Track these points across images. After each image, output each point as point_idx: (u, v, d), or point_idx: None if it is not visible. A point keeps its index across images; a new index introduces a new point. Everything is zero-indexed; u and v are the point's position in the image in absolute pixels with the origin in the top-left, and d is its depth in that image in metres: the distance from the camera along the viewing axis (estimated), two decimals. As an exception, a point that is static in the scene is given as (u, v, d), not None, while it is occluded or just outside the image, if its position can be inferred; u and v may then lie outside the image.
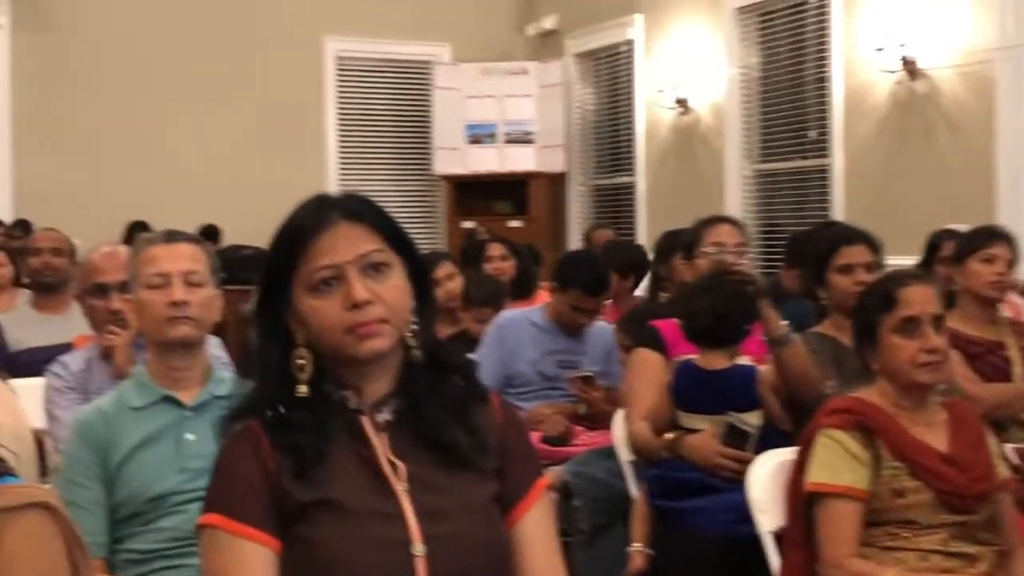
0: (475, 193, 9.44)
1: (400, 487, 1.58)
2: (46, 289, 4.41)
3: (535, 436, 3.62)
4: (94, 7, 8.90)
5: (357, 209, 1.65)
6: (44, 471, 2.98)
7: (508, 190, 9.39)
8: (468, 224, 8.91)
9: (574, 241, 9.06)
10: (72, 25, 8.86)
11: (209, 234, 8.48)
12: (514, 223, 8.99)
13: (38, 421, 3.04)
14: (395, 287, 1.61)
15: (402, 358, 1.65)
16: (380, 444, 1.61)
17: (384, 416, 1.63)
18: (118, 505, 2.32)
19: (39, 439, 2.99)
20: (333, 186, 9.70)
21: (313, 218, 1.63)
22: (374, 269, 1.60)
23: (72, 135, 8.77)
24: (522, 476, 1.69)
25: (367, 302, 1.56)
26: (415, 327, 1.65)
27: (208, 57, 9.13)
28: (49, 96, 8.77)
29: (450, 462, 1.62)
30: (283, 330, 1.63)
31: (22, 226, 7.91)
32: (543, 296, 4.80)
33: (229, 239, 8.54)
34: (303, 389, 1.60)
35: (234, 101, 9.18)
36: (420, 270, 1.68)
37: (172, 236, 2.55)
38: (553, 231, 9.32)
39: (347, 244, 1.60)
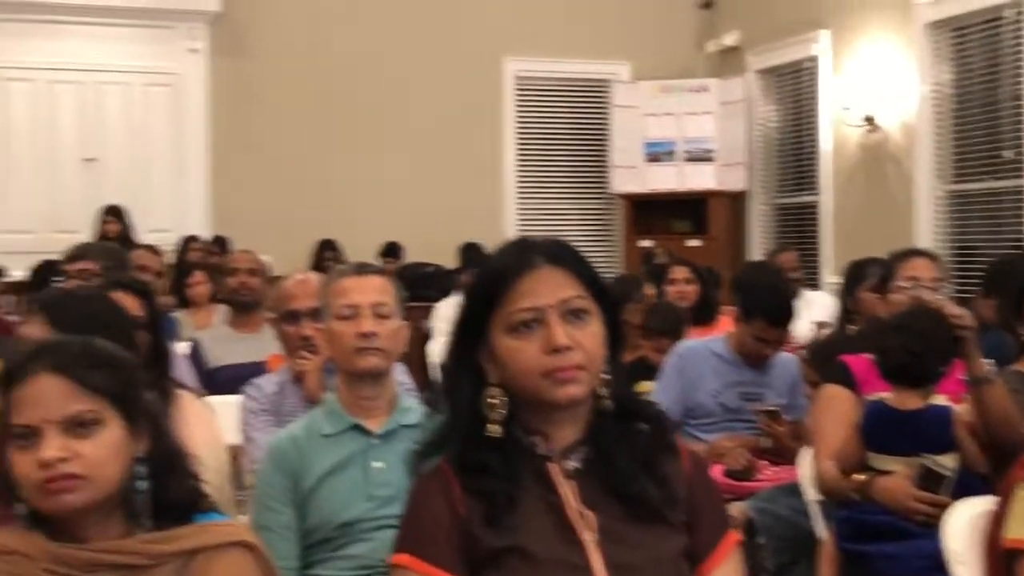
0: (653, 212, 9.38)
1: (589, 538, 1.57)
2: (242, 308, 4.59)
3: (717, 470, 3.55)
4: (286, 33, 9.26)
5: (559, 254, 1.64)
6: (240, 485, 3.11)
7: (687, 209, 9.29)
8: (645, 243, 8.86)
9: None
10: (265, 51, 9.24)
11: (392, 251, 8.71)
12: (693, 242, 8.89)
13: (234, 437, 3.16)
14: (593, 334, 1.60)
15: (591, 406, 1.64)
16: (568, 492, 1.60)
17: (572, 464, 1.62)
18: (309, 531, 2.39)
19: (235, 456, 3.12)
20: (511, 205, 9.82)
21: (516, 260, 1.63)
22: (574, 315, 1.59)
23: (264, 156, 9.14)
24: (712, 530, 1.66)
25: (567, 347, 1.56)
26: (606, 376, 1.64)
27: (391, 79, 9.37)
28: (244, 118, 9.17)
29: (639, 514, 1.60)
30: (476, 368, 1.64)
31: (219, 243, 8.29)
32: (725, 322, 4.72)
33: (411, 256, 8.74)
34: (495, 429, 1.60)
35: (415, 121, 9.39)
36: (615, 319, 1.67)
37: (362, 269, 2.62)
38: (733, 251, 9.16)
39: (549, 288, 1.59)
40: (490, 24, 9.59)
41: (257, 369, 4.08)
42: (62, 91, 8.97)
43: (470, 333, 1.64)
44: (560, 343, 1.56)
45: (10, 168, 8.82)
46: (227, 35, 9.25)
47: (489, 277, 1.65)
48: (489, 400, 1.61)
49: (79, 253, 4.67)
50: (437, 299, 7.18)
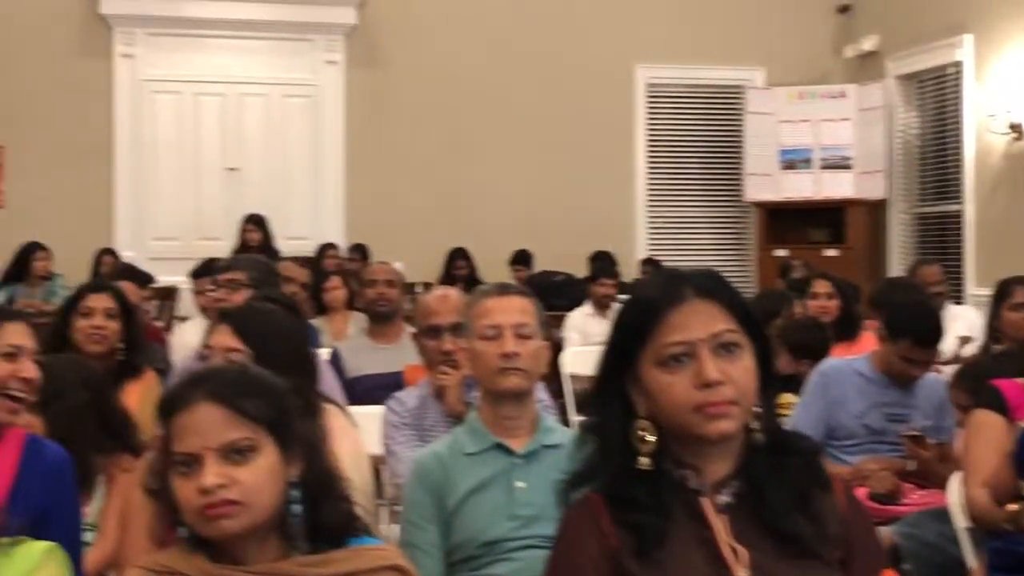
0: (788, 220, 9.22)
1: (742, 573, 1.55)
2: (379, 319, 4.65)
3: (861, 493, 3.47)
4: (419, 45, 9.40)
5: (710, 286, 1.62)
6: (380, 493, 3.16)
7: (823, 218, 9.11)
8: (780, 253, 8.71)
9: (894, 273, 8.64)
10: (399, 62, 9.41)
11: (522, 259, 8.75)
12: (830, 252, 8.70)
13: (374, 447, 3.22)
14: (745, 369, 1.58)
15: (743, 440, 1.62)
16: (721, 527, 1.58)
17: (724, 498, 1.60)
18: (453, 549, 2.41)
19: (376, 467, 3.17)
20: (641, 213, 9.77)
21: (665, 292, 1.61)
22: (725, 349, 1.57)
23: (398, 165, 9.30)
24: (866, 569, 1.62)
25: (719, 382, 1.54)
26: (758, 409, 1.62)
27: (522, 87, 9.43)
28: (378, 128, 9.34)
29: (792, 550, 1.57)
30: (624, 399, 1.62)
31: (360, 251, 8.45)
32: (867, 338, 4.60)
33: (541, 265, 8.76)
34: (645, 462, 1.59)
35: (546, 129, 9.43)
36: (766, 352, 1.64)
37: (505, 289, 2.64)
38: (872, 262, 8.95)
39: (700, 321, 1.58)
40: (621, 31, 9.57)
41: (394, 379, 4.15)
42: (206, 103, 9.29)
43: (618, 365, 1.63)
44: (711, 378, 1.54)
45: (158, 177, 9.16)
46: (362, 47, 9.44)
47: (638, 309, 1.63)
48: (639, 433, 1.59)
49: (230, 264, 4.84)
50: (567, 308, 7.18)
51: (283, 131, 9.40)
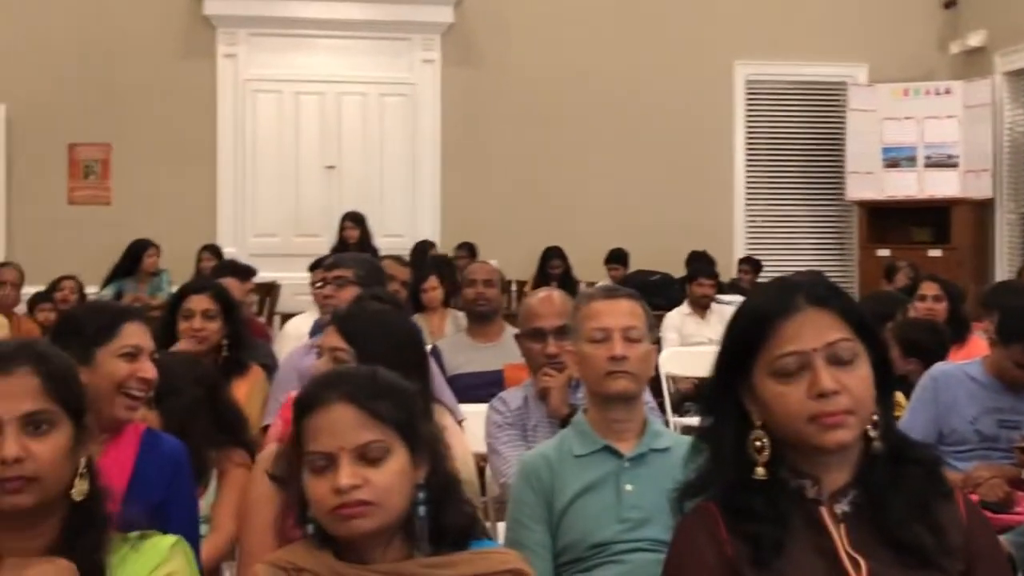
0: (891, 219, 9.05)
1: None
2: (480, 318, 4.67)
3: (972, 500, 3.38)
4: (515, 43, 9.42)
5: (824, 295, 1.60)
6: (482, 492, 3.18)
7: (927, 217, 8.92)
8: (882, 252, 8.54)
9: (1000, 275, 8.42)
10: (495, 61, 9.44)
11: (618, 258, 8.71)
12: (933, 252, 8.51)
13: (477, 445, 3.24)
14: (861, 378, 1.55)
15: (862, 448, 1.59)
16: (840, 537, 1.56)
17: (842, 508, 1.58)
18: (561, 551, 2.41)
19: (478, 465, 3.19)
20: (740, 212, 9.66)
21: (778, 302, 1.59)
22: (840, 358, 1.55)
23: (493, 163, 9.33)
24: None
25: (834, 392, 1.52)
26: (876, 417, 1.59)
27: (619, 85, 9.39)
28: (473, 127, 9.39)
29: (913, 562, 1.54)
30: (739, 409, 1.61)
31: (467, 248, 8.48)
32: (976, 341, 4.49)
33: (637, 264, 8.72)
34: (761, 471, 1.57)
35: (643, 127, 9.38)
36: (883, 359, 1.61)
37: (612, 292, 2.63)
38: (977, 262, 8.73)
39: (814, 331, 1.56)
40: (720, 28, 9.47)
41: (494, 378, 4.17)
42: (306, 102, 9.42)
43: (732, 374, 1.62)
44: (827, 388, 1.52)
45: (258, 175, 9.33)
46: (458, 46, 9.49)
47: (750, 319, 1.62)
48: (755, 443, 1.58)
49: (337, 261, 4.92)
50: (665, 308, 7.13)
51: (380, 129, 9.50)
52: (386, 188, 9.43)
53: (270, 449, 2.63)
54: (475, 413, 3.40)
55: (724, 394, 1.63)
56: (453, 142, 9.42)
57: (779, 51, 9.54)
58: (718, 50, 9.48)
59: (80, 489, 1.63)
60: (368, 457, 1.63)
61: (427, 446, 1.71)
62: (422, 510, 1.67)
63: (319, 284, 5.20)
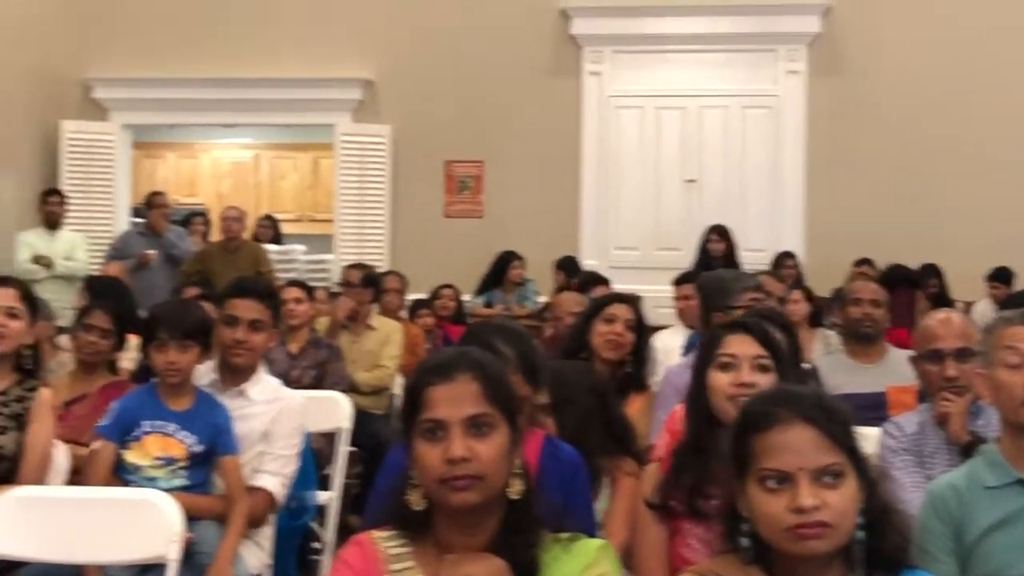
0: None
1: None
2: (863, 338, 4.49)
3: None
4: (887, 51, 9.07)
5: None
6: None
7: None
8: None
9: None
10: (864, 70, 9.11)
11: (1000, 276, 8.17)
12: None
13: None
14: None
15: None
16: None
17: None
18: (970, 584, 2.29)
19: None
20: None
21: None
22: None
23: (861, 175, 9.01)
24: None
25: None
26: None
27: (997, 94, 8.82)
28: (841, 138, 9.11)
29: None
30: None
31: (868, 263, 8.14)
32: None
33: (1021, 282, 8.13)
34: None
35: (1026, 136, 8.74)
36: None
37: (1029, 317, 2.46)
38: None
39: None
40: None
41: (877, 400, 4.01)
42: (667, 116, 9.50)
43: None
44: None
45: (619, 189, 9.51)
46: (826, 56, 9.25)
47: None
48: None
49: (687, 276, 4.93)
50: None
51: (742, 142, 9.41)
52: (747, 201, 9.33)
53: (652, 469, 2.67)
54: (867, 436, 3.28)
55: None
56: (818, 153, 9.18)
57: None
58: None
59: (517, 488, 1.72)
60: (825, 480, 1.63)
61: (868, 470, 1.69)
62: (860, 534, 1.65)
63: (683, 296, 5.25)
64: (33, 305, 3.29)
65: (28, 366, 3.26)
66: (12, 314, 3.21)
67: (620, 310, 3.82)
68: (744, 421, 1.71)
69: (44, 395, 3.21)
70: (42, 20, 9.45)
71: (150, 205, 8.42)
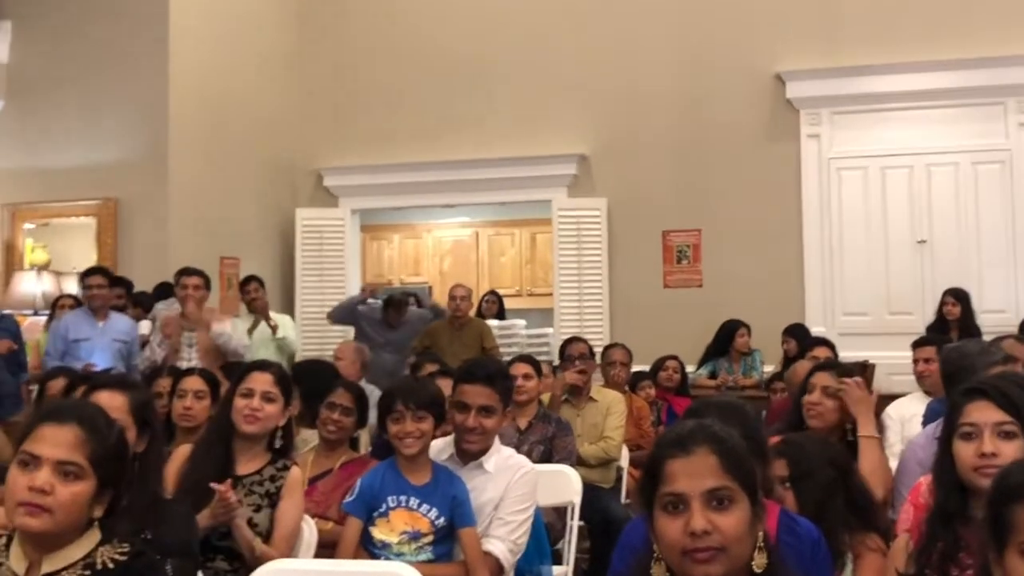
0: None
1: None
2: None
3: None
4: None
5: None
6: None
7: None
8: None
9: None
10: None
11: None
12: None
13: None
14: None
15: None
16: None
17: None
18: None
19: None
20: None
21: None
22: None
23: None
24: None
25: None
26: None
27: None
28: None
29: None
30: None
31: None
32: None
33: None
34: None
35: None
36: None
37: None
38: None
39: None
40: None
41: None
42: (892, 176, 9.21)
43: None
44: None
45: (844, 252, 9.24)
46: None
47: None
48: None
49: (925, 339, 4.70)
50: None
51: (974, 199, 9.01)
52: (984, 260, 8.89)
53: (901, 542, 2.55)
54: None
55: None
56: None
57: None
58: None
59: (760, 562, 1.72)
60: None
61: None
62: None
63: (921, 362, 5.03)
64: (287, 388, 3.47)
65: (280, 446, 3.43)
66: (268, 398, 3.39)
67: (820, 378, 3.77)
68: (1001, 491, 1.63)
69: (295, 474, 3.37)
70: (280, 117, 10.11)
71: (388, 305, 8.64)
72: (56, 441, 1.95)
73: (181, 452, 3.43)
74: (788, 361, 7.43)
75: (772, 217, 9.33)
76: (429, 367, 5.72)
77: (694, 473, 1.74)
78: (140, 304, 7.80)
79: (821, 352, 5.87)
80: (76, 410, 2.06)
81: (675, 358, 7.52)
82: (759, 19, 9.48)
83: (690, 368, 8.13)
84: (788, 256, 9.27)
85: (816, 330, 8.50)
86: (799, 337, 7.92)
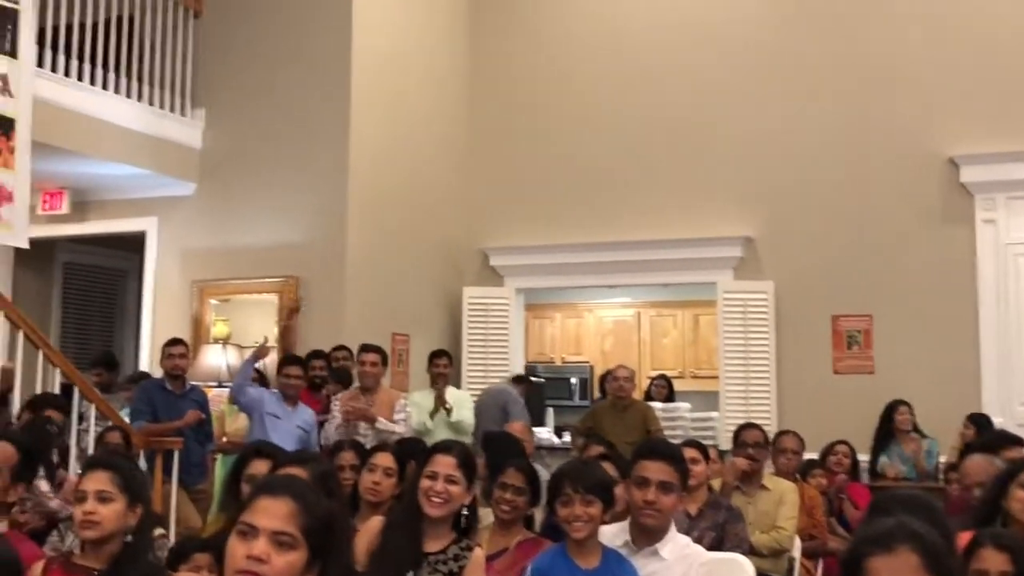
0: None
1: None
2: None
3: None
4: None
5: None
6: None
7: None
8: None
9: None
10: None
11: None
12: None
13: None
14: None
15: None
16: None
17: None
18: None
19: None
20: None
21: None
22: None
23: None
24: None
25: None
26: None
27: None
28: None
29: None
30: None
31: None
32: None
33: None
34: None
35: None
36: None
37: None
38: None
39: None
40: None
41: None
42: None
43: None
44: None
45: (1022, 340, 8.90)
46: None
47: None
48: None
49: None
50: None
51: None
52: None
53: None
54: None
55: None
56: None
57: None
58: None
59: None
60: None
61: None
62: None
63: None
64: (471, 469, 3.57)
65: (465, 526, 3.53)
66: (452, 480, 3.50)
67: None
68: None
69: (478, 555, 3.46)
70: (449, 200, 10.45)
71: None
72: (272, 513, 2.07)
73: (371, 526, 3.55)
74: (967, 448, 7.17)
75: (946, 303, 9.08)
76: (595, 448, 5.75)
77: (896, 571, 1.74)
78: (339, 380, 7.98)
79: (1013, 453, 5.61)
80: (289, 484, 2.19)
81: (845, 443, 7.37)
82: (931, 102, 9.34)
83: (864, 456, 7.95)
84: (963, 344, 8.99)
85: (995, 420, 8.18)
86: (981, 426, 7.64)
